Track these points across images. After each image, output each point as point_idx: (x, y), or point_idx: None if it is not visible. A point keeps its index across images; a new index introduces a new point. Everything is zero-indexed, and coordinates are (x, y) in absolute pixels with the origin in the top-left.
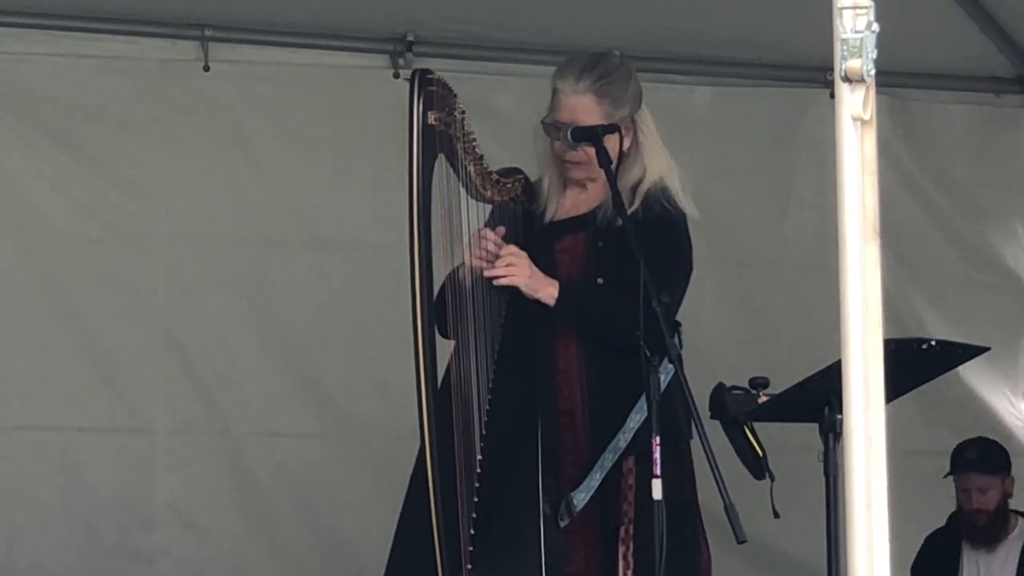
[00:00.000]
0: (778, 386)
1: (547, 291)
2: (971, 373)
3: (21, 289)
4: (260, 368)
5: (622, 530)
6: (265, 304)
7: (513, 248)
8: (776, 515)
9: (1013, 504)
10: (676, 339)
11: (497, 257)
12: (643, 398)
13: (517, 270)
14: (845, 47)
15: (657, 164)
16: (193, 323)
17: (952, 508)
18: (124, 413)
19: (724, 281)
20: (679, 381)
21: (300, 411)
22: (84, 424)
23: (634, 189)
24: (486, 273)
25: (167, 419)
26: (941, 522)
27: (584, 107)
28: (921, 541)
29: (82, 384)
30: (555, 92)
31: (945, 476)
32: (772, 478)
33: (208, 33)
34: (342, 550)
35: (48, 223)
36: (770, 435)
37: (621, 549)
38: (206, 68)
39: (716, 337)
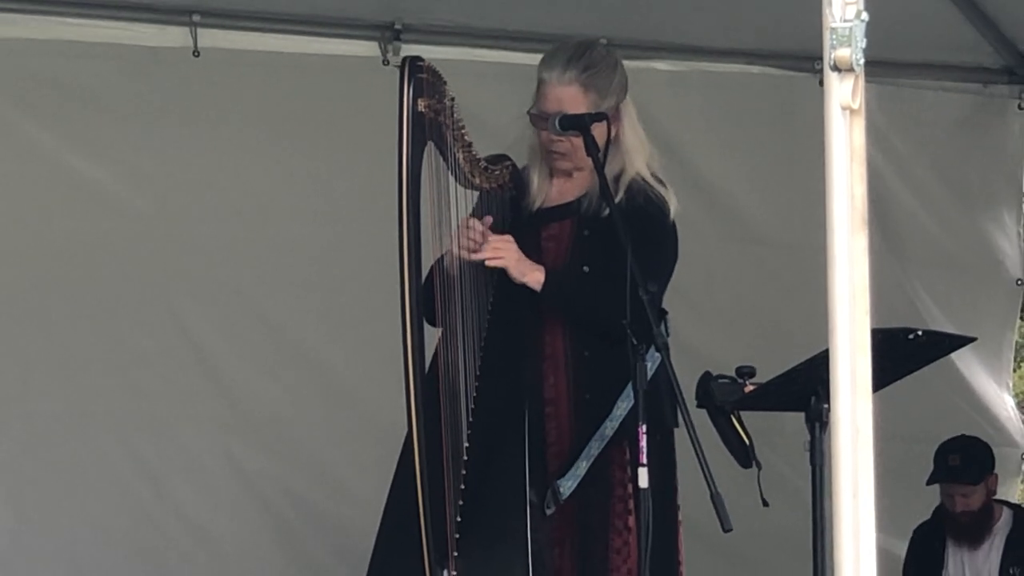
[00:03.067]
0: (779, 369)
1: (533, 276)
2: (963, 361)
3: (17, 276)
4: (253, 351)
5: (619, 523)
6: (260, 289)
7: (498, 235)
8: (765, 503)
9: (1002, 489)
10: (663, 327)
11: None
12: (630, 386)
13: (505, 253)
14: (834, 36)
15: (640, 154)
16: (188, 305)
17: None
18: (131, 402)
19: (721, 263)
20: (665, 370)
21: (305, 401)
22: (89, 413)
23: (617, 179)
24: (473, 256)
25: (173, 407)
26: (931, 506)
27: (570, 98)
28: (910, 526)
29: (87, 371)
30: (541, 83)
31: (928, 483)
32: (759, 466)
33: (196, 19)
34: (352, 541)
35: (41, 207)
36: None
37: (617, 542)
38: (195, 54)
39: (711, 321)
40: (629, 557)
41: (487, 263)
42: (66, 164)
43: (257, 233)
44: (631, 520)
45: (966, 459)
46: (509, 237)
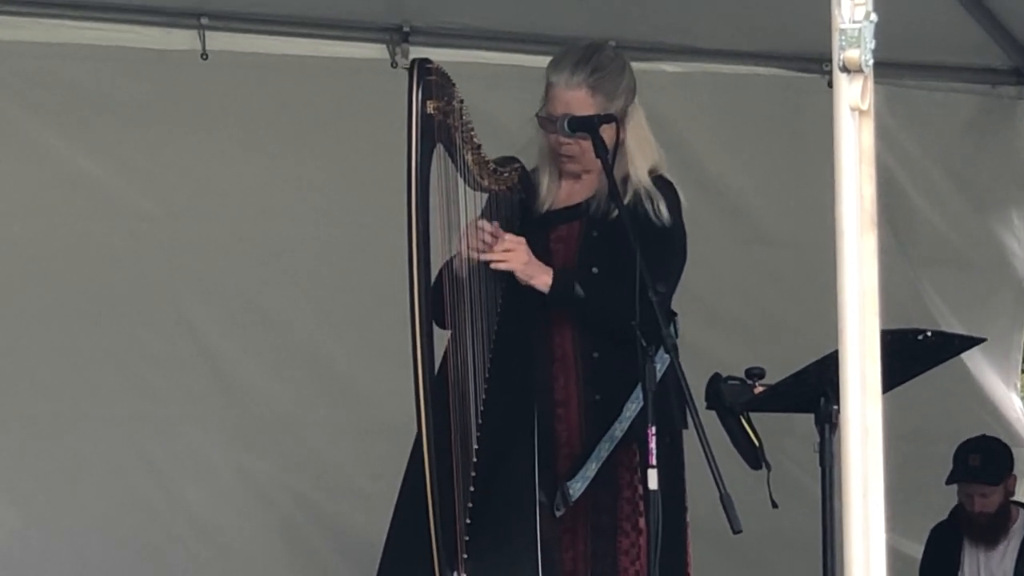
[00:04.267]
0: (788, 370)
1: (541, 279)
2: (972, 362)
3: (24, 277)
4: (260, 351)
5: (627, 524)
6: (267, 290)
7: (511, 235)
8: (774, 505)
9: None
10: (672, 329)
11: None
12: (639, 388)
13: (514, 256)
14: (843, 37)
15: (649, 156)
16: (195, 305)
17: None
18: (138, 402)
19: (729, 264)
20: (675, 371)
21: (312, 401)
22: (96, 412)
23: (626, 180)
24: (483, 257)
25: (179, 407)
26: (948, 505)
27: (578, 101)
28: (920, 526)
29: (94, 370)
30: (549, 85)
31: (947, 483)
32: (769, 468)
33: (204, 22)
34: (359, 542)
35: (50, 208)
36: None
37: (625, 543)
38: (203, 57)
39: (722, 320)
40: (638, 558)
41: (492, 266)
42: (74, 166)
43: (265, 234)
44: (640, 521)
45: (986, 459)
46: (521, 239)
